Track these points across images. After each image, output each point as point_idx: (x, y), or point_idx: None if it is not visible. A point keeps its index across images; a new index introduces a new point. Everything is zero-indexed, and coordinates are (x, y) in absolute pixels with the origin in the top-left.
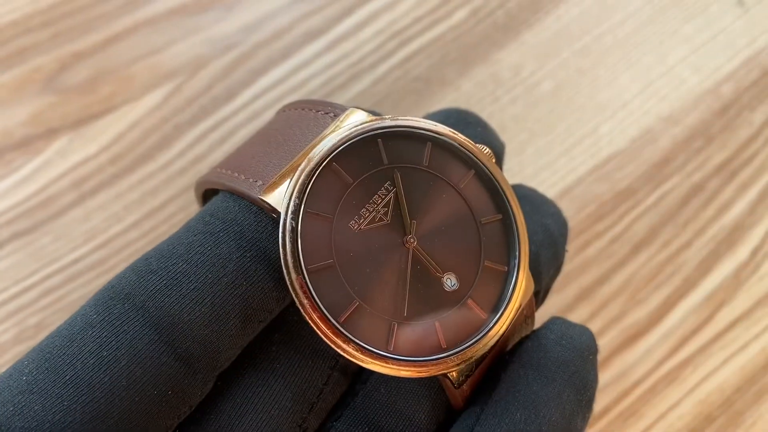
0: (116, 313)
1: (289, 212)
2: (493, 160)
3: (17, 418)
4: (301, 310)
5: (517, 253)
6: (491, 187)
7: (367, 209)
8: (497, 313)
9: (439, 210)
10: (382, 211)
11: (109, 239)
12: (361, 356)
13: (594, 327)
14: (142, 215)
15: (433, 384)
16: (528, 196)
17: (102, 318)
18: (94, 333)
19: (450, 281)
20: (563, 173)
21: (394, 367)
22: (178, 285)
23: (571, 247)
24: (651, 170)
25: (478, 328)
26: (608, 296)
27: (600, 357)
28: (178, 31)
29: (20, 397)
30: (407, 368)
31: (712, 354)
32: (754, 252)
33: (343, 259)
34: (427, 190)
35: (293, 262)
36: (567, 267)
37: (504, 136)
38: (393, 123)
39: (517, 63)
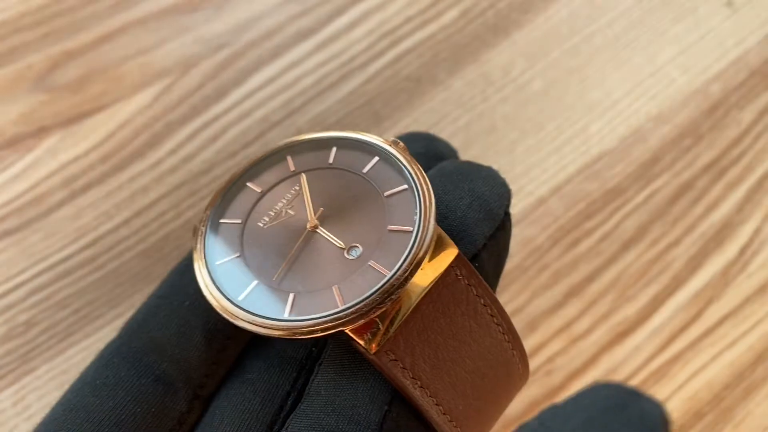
0: (117, 364)
1: (201, 224)
2: (406, 151)
3: None
4: (206, 296)
5: (419, 211)
6: (396, 166)
7: (275, 210)
8: (397, 265)
9: (342, 194)
10: (288, 208)
11: (99, 237)
12: (257, 327)
13: (583, 324)
14: (132, 213)
15: (372, 378)
16: (460, 168)
17: (106, 379)
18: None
19: (354, 252)
20: (553, 171)
21: (290, 329)
22: (153, 317)
23: (561, 244)
24: (640, 169)
25: (377, 284)
26: (598, 293)
27: (589, 354)
28: (169, 30)
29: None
30: (303, 329)
31: (701, 351)
32: (743, 250)
33: (249, 252)
34: (331, 182)
35: (200, 259)
36: (557, 264)
37: (494, 135)
38: (299, 138)
39: (508, 62)
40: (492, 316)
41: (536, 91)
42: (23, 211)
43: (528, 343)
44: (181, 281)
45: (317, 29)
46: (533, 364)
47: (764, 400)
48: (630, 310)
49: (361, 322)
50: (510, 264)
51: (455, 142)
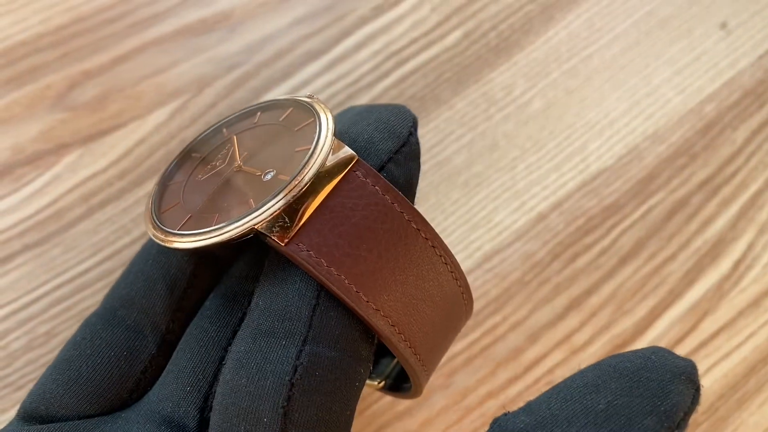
0: (95, 323)
1: (154, 185)
2: (318, 101)
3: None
4: (152, 238)
5: (318, 130)
6: (307, 109)
7: (212, 166)
8: (297, 169)
9: (262, 139)
10: (221, 162)
11: (117, 251)
12: (188, 243)
13: (583, 336)
14: None
15: (300, 279)
16: (369, 106)
17: (84, 335)
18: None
19: (268, 175)
20: (553, 188)
21: (213, 237)
22: (124, 279)
23: (561, 259)
24: (637, 186)
25: (281, 187)
26: (596, 306)
27: (588, 365)
28: (184, 51)
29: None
30: (223, 233)
31: (696, 362)
32: (736, 265)
33: (188, 198)
34: (255, 135)
35: (149, 216)
36: (557, 279)
37: (496, 153)
38: (232, 114)
39: (509, 83)
40: (402, 212)
41: (537, 111)
42: (43, 225)
43: (529, 355)
44: (146, 247)
45: (326, 50)
46: (534, 375)
47: (757, 410)
48: (628, 322)
49: (268, 218)
50: (511, 278)
51: (458, 160)
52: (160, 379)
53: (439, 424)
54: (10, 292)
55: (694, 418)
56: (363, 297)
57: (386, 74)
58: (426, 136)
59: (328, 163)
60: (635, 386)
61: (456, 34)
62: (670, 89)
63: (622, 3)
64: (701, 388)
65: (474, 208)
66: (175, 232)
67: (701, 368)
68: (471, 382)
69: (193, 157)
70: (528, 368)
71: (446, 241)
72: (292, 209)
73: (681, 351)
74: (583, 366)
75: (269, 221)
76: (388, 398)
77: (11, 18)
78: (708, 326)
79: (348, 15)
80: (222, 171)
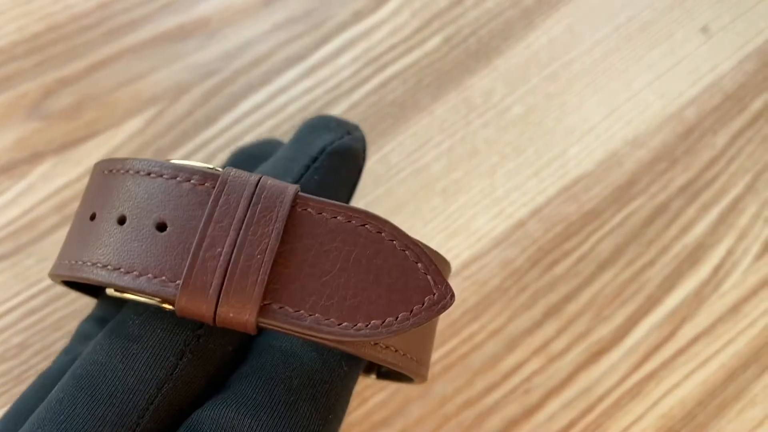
0: None
1: None
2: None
3: None
4: None
5: None
6: None
7: None
8: None
9: None
10: None
11: None
12: None
13: (560, 343)
14: None
15: None
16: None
17: None
18: None
19: None
20: (533, 194)
21: None
22: None
23: (540, 266)
24: (617, 192)
25: None
26: (575, 313)
27: (566, 373)
28: (160, 58)
29: None
30: None
31: (675, 369)
32: (716, 270)
33: None
34: None
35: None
36: (535, 285)
37: (476, 159)
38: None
39: (489, 88)
40: None
41: (516, 116)
42: (17, 235)
43: (507, 363)
44: None
45: (305, 56)
46: (511, 383)
47: (736, 418)
48: (606, 329)
49: None
50: (490, 286)
51: (438, 166)
52: None
53: None
54: None
55: (671, 426)
56: None
57: (366, 80)
58: (405, 142)
59: None
60: None
61: (436, 40)
62: (650, 94)
63: (603, 8)
64: None
65: (453, 215)
66: None
67: (680, 375)
68: (448, 390)
69: None
70: (506, 376)
71: None
72: None
73: (659, 358)
74: (560, 373)
75: None
76: (363, 409)
77: None
78: (687, 332)
79: (327, 21)
80: None
